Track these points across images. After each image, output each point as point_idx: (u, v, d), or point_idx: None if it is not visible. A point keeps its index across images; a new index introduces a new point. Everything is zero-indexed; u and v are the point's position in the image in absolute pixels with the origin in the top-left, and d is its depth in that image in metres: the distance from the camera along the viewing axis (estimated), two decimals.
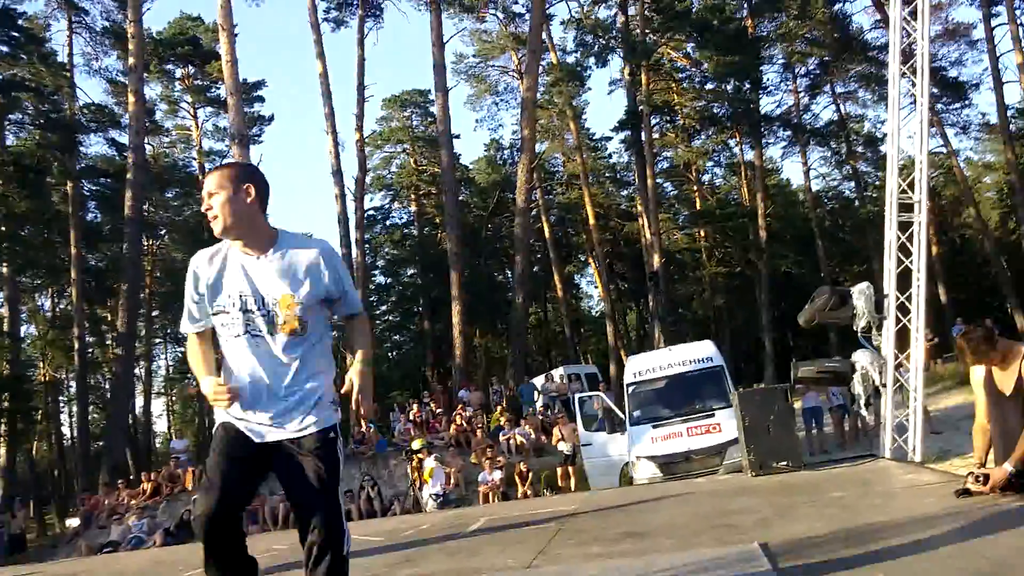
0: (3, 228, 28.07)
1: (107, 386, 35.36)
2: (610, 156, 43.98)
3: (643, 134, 32.54)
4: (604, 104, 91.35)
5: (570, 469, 13.58)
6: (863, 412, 9.92)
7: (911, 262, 9.24)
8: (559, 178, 43.79)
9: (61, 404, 40.34)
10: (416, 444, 15.10)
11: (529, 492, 13.29)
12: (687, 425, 11.70)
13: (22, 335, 33.29)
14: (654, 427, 12.00)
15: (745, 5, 34.10)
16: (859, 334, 9.28)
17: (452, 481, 13.98)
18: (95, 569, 9.32)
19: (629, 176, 41.18)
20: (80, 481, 27.01)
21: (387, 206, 45.23)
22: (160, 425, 49.87)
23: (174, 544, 13.01)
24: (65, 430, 40.71)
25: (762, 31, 34.56)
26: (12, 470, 29.93)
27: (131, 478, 18.85)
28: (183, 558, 9.05)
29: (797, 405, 12.15)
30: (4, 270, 29.39)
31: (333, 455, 2.97)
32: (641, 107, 32.39)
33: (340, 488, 3.02)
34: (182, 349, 44.69)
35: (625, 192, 43.81)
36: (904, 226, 9.37)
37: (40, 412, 34.36)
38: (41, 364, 36.26)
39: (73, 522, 18.45)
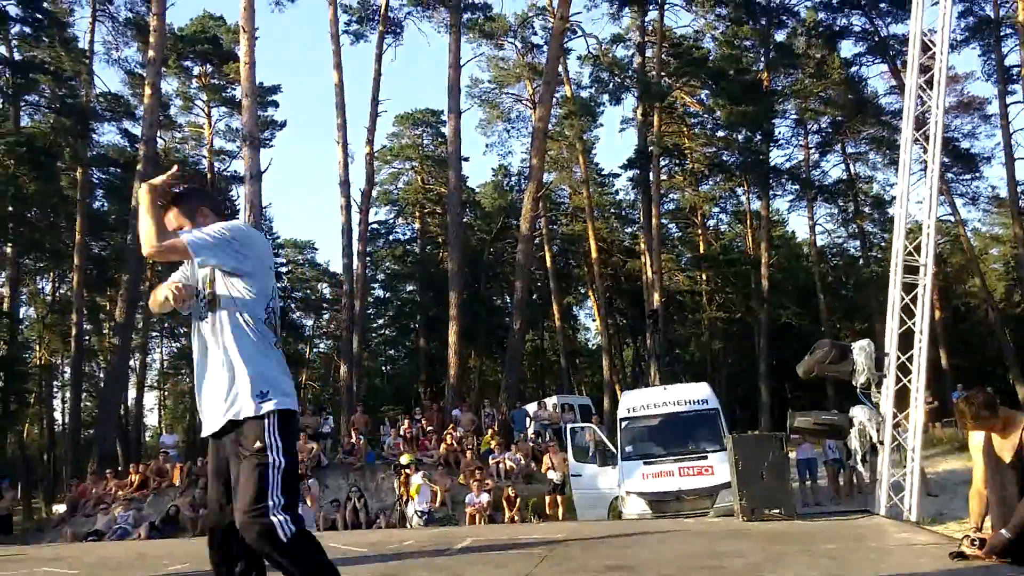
0: (10, 208, 28.08)
1: (101, 375, 35.28)
2: (617, 192, 44.31)
3: (651, 174, 32.75)
4: (614, 141, 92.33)
5: (558, 498, 13.56)
6: (859, 467, 9.94)
7: (914, 323, 9.34)
8: (564, 209, 44.02)
9: (55, 389, 40.21)
10: (404, 459, 15.06)
11: (516, 517, 13.26)
12: (679, 465, 11.72)
13: (21, 317, 33.25)
14: (646, 464, 12.01)
15: (762, 58, 34.52)
16: (858, 390, 9.35)
17: (438, 499, 13.96)
18: (79, 556, 9.29)
19: (634, 214, 41.43)
20: (69, 468, 26.83)
21: (391, 221, 45.51)
22: (151, 419, 49.73)
23: (159, 538, 12.97)
24: (57, 415, 40.52)
25: (777, 85, 34.93)
26: (2, 451, 29.77)
27: (120, 469, 18.79)
28: (168, 552, 9.06)
29: (792, 455, 12.17)
30: (8, 250, 29.41)
31: (250, 449, 2.82)
32: (651, 147, 32.66)
33: (275, 479, 2.81)
34: (178, 344, 44.76)
35: (629, 229, 44.03)
36: (908, 288, 9.49)
37: (33, 395, 34.22)
38: (37, 347, 36.16)
39: (60, 508, 18.35)
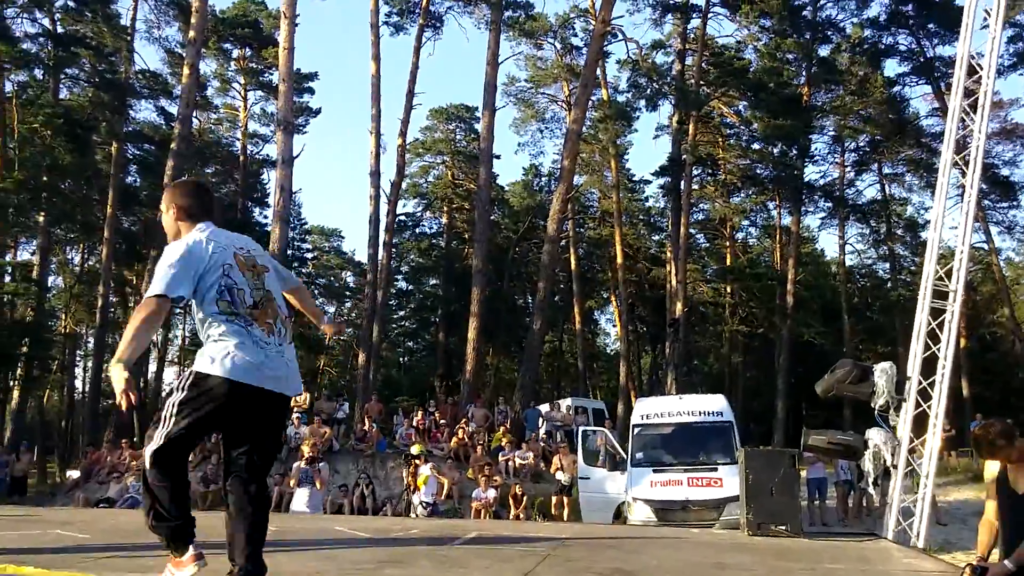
0: (45, 179, 28.51)
1: None
2: (646, 199, 44.10)
3: (683, 183, 32.56)
4: (647, 147, 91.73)
5: (565, 499, 13.55)
6: (870, 490, 9.82)
7: (938, 349, 9.21)
8: (592, 213, 43.94)
9: (77, 358, 40.85)
10: (415, 449, 15.11)
11: (522, 515, 13.26)
12: (688, 475, 11.69)
13: (49, 285, 33.77)
14: (655, 471, 11.99)
15: (803, 73, 34.17)
16: (876, 412, 9.25)
17: (445, 492, 13.99)
18: (91, 521, 9.42)
19: (662, 222, 41.27)
20: (85, 436, 27.23)
21: (419, 214, 45.65)
22: None
23: None
24: (78, 384, 41.20)
25: (817, 100, 34.57)
26: (22, 414, 30.23)
27: (135, 440, 19.03)
28: None
29: (803, 473, 12.07)
30: (40, 219, 29.82)
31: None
32: (685, 156, 32.47)
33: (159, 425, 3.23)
34: None
35: (656, 237, 43.86)
36: (936, 313, 9.36)
37: (56, 363, 34.73)
38: (63, 316, 36.71)
39: (74, 474, 18.59)
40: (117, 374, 3.00)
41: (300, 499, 13.46)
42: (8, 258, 30.55)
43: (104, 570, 4.83)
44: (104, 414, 28.49)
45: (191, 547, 3.26)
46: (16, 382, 28.24)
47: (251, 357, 3.17)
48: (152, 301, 3.11)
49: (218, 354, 3.17)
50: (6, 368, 27.37)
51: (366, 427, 17.65)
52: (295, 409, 18.39)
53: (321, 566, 5.65)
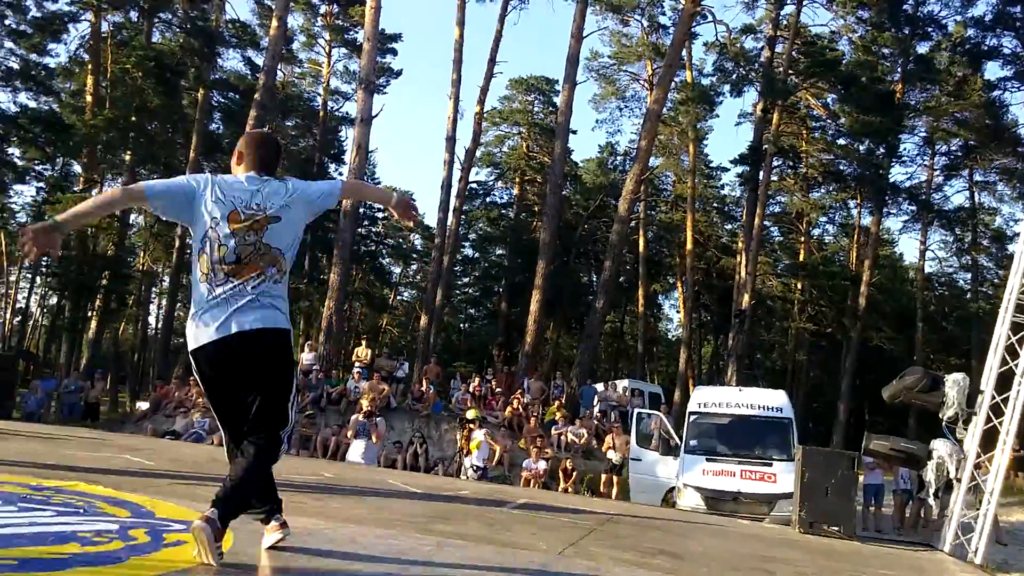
0: (134, 118, 29.40)
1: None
2: (722, 187, 43.22)
3: (762, 173, 31.75)
4: (728, 134, 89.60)
5: (615, 478, 13.56)
6: (930, 501, 9.57)
7: (1016, 364, 8.89)
8: (665, 196, 43.35)
9: (152, 295, 42.40)
10: (470, 414, 15.30)
11: (570, 489, 13.33)
12: (742, 467, 11.59)
13: (130, 222, 35.00)
14: (708, 460, 11.91)
15: (898, 69, 32.87)
16: (944, 423, 9.00)
17: (496, 458, 14.15)
18: (157, 450, 9.86)
19: (737, 211, 40.46)
20: (155, 370, 28.24)
21: (490, 183, 45.64)
22: None
23: None
24: (151, 320, 42.82)
25: (910, 99, 33.18)
26: (98, 344, 31.58)
27: None
28: None
29: (860, 478, 11.82)
30: (127, 158, 30.85)
31: None
32: (766, 146, 31.64)
33: None
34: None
35: (729, 226, 43.04)
36: (1016, 328, 9.02)
37: (132, 298, 36.11)
38: (142, 254, 38.11)
39: (143, 405, 19.28)
40: (42, 223, 3.05)
41: (356, 450, 13.83)
42: (95, 193, 31.82)
43: (168, 495, 5.06)
44: (175, 351, 29.57)
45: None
46: (94, 313, 29.47)
47: (210, 318, 3.14)
48: (119, 188, 3.25)
49: (189, 327, 3.22)
50: (86, 299, 28.59)
51: (423, 388, 17.92)
52: (357, 364, 18.82)
53: (373, 514, 5.81)
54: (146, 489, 5.20)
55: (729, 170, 40.00)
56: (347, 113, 39.77)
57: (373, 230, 45.52)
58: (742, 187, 36.59)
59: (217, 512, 2.96)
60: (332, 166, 41.31)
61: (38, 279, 40.53)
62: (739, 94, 34.32)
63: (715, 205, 43.49)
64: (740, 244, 33.60)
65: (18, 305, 43.07)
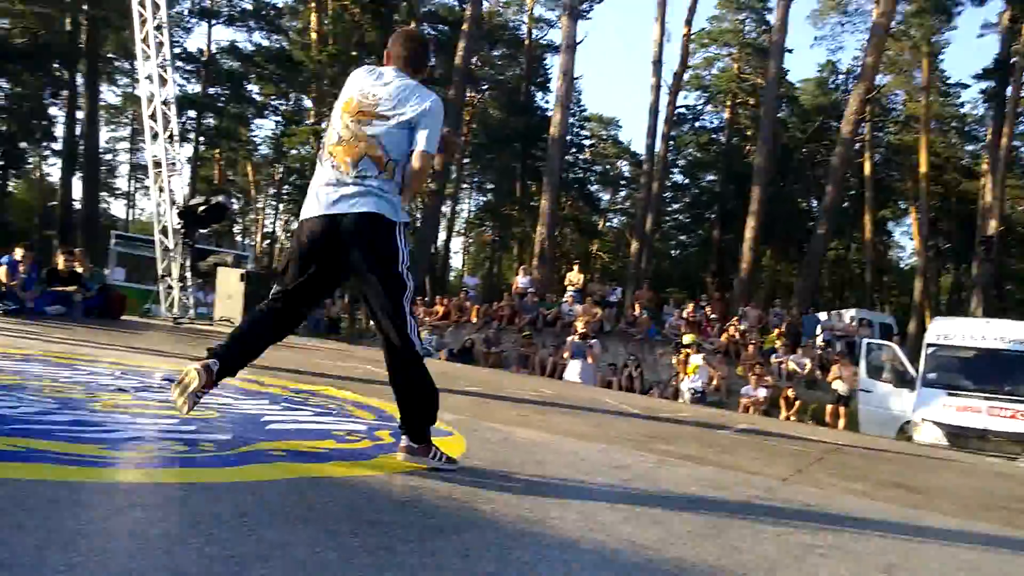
0: (354, 52, 31.06)
1: (418, 216, 39.35)
2: (962, 105, 38.90)
3: (1010, 89, 28.15)
4: (969, 47, 79.26)
5: (841, 410, 12.88)
6: None
7: None
8: (895, 116, 39.72)
9: None
10: (687, 339, 15.16)
11: (793, 419, 12.88)
12: (989, 404, 10.66)
13: None
14: (949, 394, 11.06)
15: None
16: None
17: (714, 383, 13.95)
18: None
19: (980, 131, 36.51)
20: None
21: (699, 107, 43.81)
22: (455, 261, 54.86)
23: (456, 363, 14.50)
24: None
25: None
26: None
27: (426, 299, 20.97)
28: (464, 375, 10.11)
29: None
30: None
31: None
32: (1015, 59, 27.84)
33: None
34: (484, 198, 48.10)
35: (971, 147, 38.77)
36: None
37: None
38: None
39: None
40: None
41: (573, 370, 14.22)
42: (324, 125, 34.31)
43: None
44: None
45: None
46: None
47: (314, 197, 3.21)
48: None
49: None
50: None
51: (636, 313, 17.93)
52: (570, 288, 19.14)
53: (593, 431, 5.95)
54: (387, 396, 5.64)
55: (970, 87, 36.76)
56: (552, 40, 39.67)
57: (580, 157, 45.55)
58: (986, 104, 33.29)
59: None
60: (539, 95, 41.55)
61: (281, 205, 44.80)
62: (982, 3, 30.63)
63: (954, 125, 39.38)
64: (985, 166, 30.17)
65: (265, 229, 47.99)
